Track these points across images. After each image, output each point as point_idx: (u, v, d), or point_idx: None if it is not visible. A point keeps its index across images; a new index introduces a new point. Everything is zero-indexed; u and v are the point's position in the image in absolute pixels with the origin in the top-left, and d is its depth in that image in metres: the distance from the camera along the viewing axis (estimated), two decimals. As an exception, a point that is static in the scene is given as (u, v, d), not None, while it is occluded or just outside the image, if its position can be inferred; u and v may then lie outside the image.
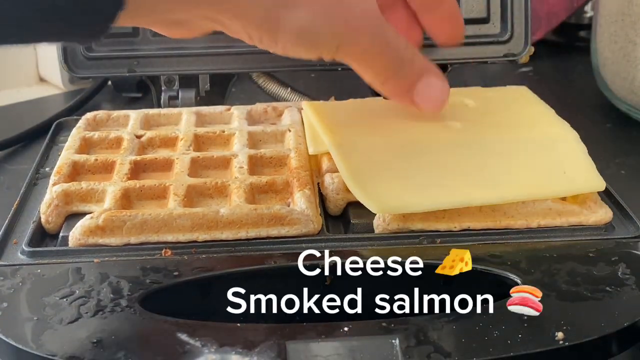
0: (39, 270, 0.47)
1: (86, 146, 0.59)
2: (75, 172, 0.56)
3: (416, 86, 0.53)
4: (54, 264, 0.48)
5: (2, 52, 0.85)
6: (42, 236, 0.52)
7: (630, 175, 0.64)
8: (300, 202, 0.51)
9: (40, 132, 0.71)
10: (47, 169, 0.60)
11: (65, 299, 0.44)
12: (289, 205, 0.52)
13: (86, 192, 0.53)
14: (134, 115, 0.63)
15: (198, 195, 0.53)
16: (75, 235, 0.50)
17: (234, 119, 0.63)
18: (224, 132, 0.60)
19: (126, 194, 0.52)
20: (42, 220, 0.52)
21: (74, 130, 0.61)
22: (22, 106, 0.83)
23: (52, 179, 0.54)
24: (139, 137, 0.60)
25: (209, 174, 0.56)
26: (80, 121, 0.63)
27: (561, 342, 0.40)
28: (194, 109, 0.64)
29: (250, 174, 0.55)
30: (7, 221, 0.52)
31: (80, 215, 0.52)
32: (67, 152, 0.57)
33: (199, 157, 0.57)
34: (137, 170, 0.56)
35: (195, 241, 0.50)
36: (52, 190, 0.53)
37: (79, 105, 0.78)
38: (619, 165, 0.65)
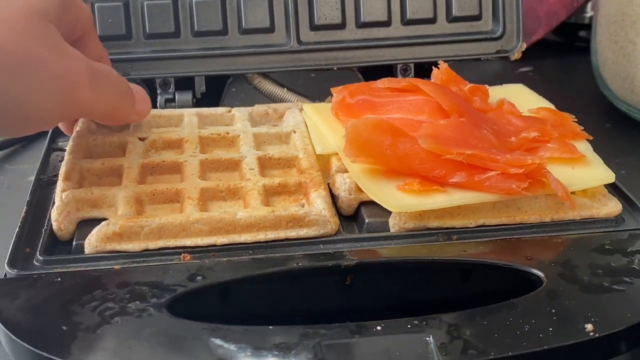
0: (59, 279, 0.46)
1: (88, 150, 0.58)
2: (82, 177, 0.55)
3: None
4: (73, 272, 0.47)
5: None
6: (55, 243, 0.51)
7: (630, 175, 0.65)
8: (317, 202, 0.51)
9: (40, 133, 0.70)
10: (49, 174, 0.59)
11: (90, 307, 0.44)
12: (302, 206, 0.52)
13: (97, 197, 0.52)
14: None
15: (211, 198, 0.53)
16: (92, 242, 0.49)
17: (236, 120, 0.63)
18: (228, 134, 0.60)
19: (138, 199, 0.52)
20: (54, 227, 0.51)
21: (75, 134, 0.60)
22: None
23: (60, 185, 0.53)
24: (142, 139, 0.59)
25: (217, 177, 0.56)
26: (79, 124, 0.61)
27: (592, 333, 0.41)
28: (194, 110, 0.64)
29: (261, 176, 0.55)
30: (17, 230, 0.51)
31: (92, 220, 0.51)
32: (72, 157, 0.56)
33: (207, 159, 0.57)
34: (145, 173, 0.56)
35: (214, 245, 0.49)
36: (62, 197, 0.52)
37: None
38: (619, 165, 0.66)
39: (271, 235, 0.50)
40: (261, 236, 0.50)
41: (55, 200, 0.52)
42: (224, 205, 0.53)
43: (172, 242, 0.49)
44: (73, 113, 0.51)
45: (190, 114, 0.63)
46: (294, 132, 0.60)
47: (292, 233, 0.50)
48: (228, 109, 0.64)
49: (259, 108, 0.64)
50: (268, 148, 0.60)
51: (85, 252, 0.49)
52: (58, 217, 0.51)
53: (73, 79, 0.48)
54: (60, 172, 0.55)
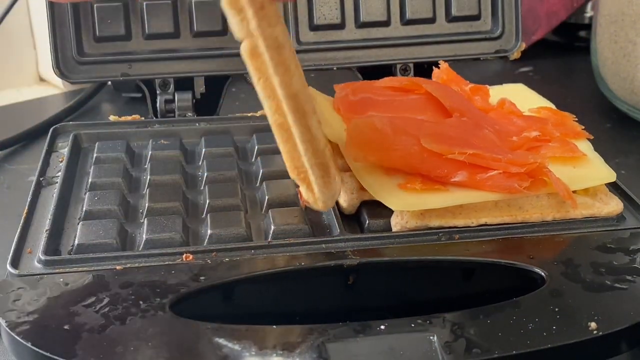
0: (61, 279, 0.46)
1: None
2: None
3: None
4: (76, 273, 0.47)
5: (2, 52, 0.84)
6: (56, 245, 0.51)
7: (630, 175, 0.65)
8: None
9: (40, 133, 0.70)
10: (49, 176, 0.59)
11: (93, 308, 0.44)
12: None
13: None
14: None
15: None
16: None
17: None
18: None
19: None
20: None
21: None
22: (22, 106, 0.82)
23: None
24: None
25: None
26: None
27: (595, 332, 0.41)
28: None
29: None
30: (18, 230, 0.51)
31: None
32: None
33: None
34: None
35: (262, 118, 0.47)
36: None
37: (78, 106, 0.77)
38: (619, 165, 0.66)
39: (305, 160, 0.46)
40: (296, 154, 0.47)
41: None
42: None
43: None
44: None
45: None
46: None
47: (316, 176, 0.47)
48: None
49: None
50: None
51: None
52: None
53: None
54: None
